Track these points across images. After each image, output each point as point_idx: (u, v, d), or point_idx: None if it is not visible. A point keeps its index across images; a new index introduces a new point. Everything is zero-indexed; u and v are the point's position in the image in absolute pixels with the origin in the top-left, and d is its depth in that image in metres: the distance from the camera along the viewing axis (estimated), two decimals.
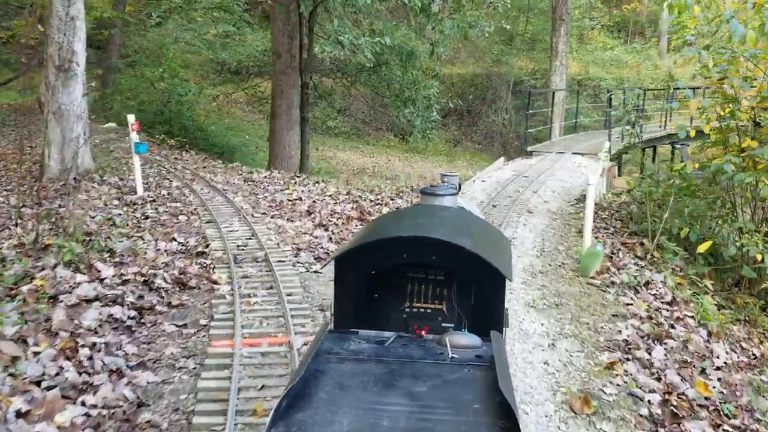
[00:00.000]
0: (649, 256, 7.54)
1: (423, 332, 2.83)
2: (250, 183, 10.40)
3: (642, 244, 8.00)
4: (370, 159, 24.35)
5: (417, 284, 2.97)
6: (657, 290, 6.41)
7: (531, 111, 26.05)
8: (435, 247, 2.74)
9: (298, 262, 6.34)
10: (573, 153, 14.06)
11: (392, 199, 9.58)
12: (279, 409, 2.03)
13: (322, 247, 6.84)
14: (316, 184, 10.66)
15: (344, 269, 2.89)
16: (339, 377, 2.30)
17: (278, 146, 13.80)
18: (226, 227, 7.46)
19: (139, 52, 20.80)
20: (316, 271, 6.20)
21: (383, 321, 2.92)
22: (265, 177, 11.09)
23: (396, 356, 2.52)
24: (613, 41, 32.24)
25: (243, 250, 6.63)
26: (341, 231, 7.44)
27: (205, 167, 12.04)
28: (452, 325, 2.92)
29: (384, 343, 2.67)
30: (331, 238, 7.17)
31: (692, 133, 8.35)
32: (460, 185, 4.07)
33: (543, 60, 27.18)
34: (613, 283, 6.28)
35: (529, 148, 15.39)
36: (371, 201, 9.18)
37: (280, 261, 6.27)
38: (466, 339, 2.62)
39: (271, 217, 8.03)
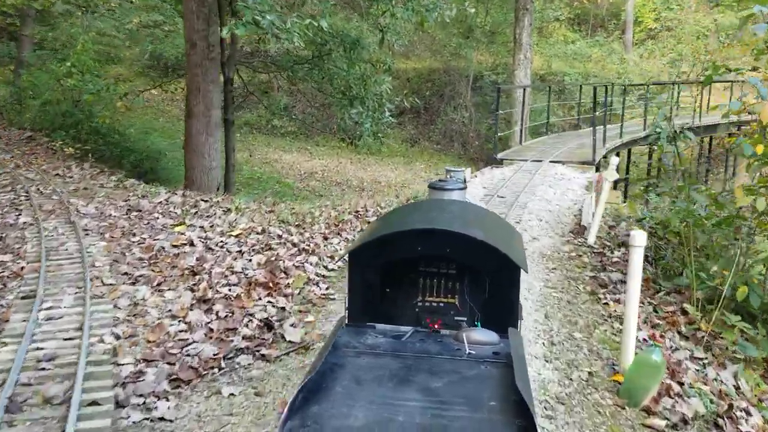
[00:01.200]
0: (701, 336, 4.85)
1: (436, 326, 2.77)
2: (134, 214, 7.38)
3: (684, 312, 5.30)
4: (319, 162, 21.42)
5: (429, 278, 2.86)
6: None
7: (492, 109, 23.44)
8: (449, 240, 2.67)
9: (131, 402, 3.42)
10: (551, 162, 11.33)
11: (326, 239, 6.68)
12: (295, 402, 1.99)
13: (189, 354, 3.93)
14: (226, 214, 7.69)
15: (358, 263, 2.79)
16: (355, 371, 2.25)
17: (195, 156, 10.79)
18: (47, 309, 4.51)
19: (44, 44, 17.49)
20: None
21: (396, 315, 2.84)
22: (161, 203, 8.07)
23: (413, 351, 2.46)
24: (574, 35, 29.81)
25: (41, 371, 3.71)
26: (232, 313, 4.52)
27: (86, 188, 8.94)
28: (465, 319, 2.82)
29: (401, 337, 2.61)
30: (211, 330, 4.26)
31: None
32: (465, 180, 4.09)
33: (504, 54, 24.52)
34: (684, 422, 3.52)
35: (500, 155, 12.63)
36: (293, 245, 6.27)
37: (93, 404, 3.35)
38: (484, 335, 2.55)
39: (133, 283, 5.08)
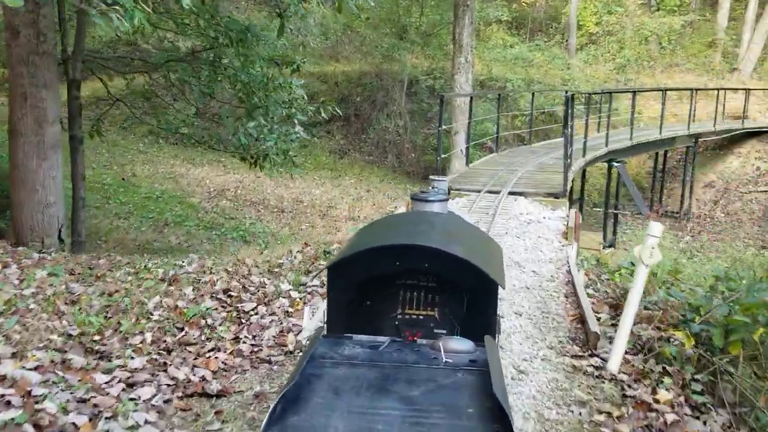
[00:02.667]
0: None
1: (416, 339, 2.72)
2: None
3: None
4: (233, 177, 18.11)
5: (409, 291, 2.84)
6: None
7: (430, 117, 20.56)
8: (428, 255, 2.64)
9: None
10: (511, 193, 8.45)
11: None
12: (274, 413, 1.98)
13: None
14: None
15: (337, 277, 2.78)
16: (333, 381, 2.24)
17: (22, 189, 7.46)
18: None
19: None
20: None
21: (376, 327, 2.82)
22: None
23: (390, 361, 2.44)
24: (513, 38, 27.34)
25: None
26: None
27: None
28: (444, 332, 2.79)
29: (378, 347, 2.58)
30: None
31: None
32: (450, 189, 4.20)
33: (441, 57, 21.74)
34: None
35: (449, 181, 9.65)
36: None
37: None
38: (460, 344, 2.54)
39: None
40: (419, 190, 3.71)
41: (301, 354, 2.88)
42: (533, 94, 14.21)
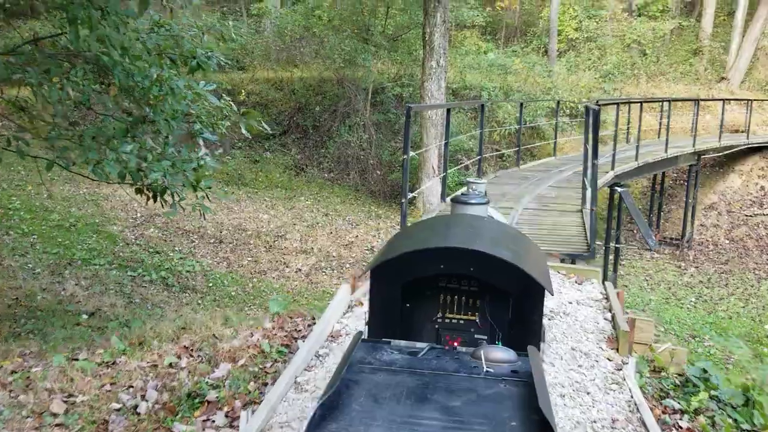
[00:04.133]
0: None
1: (456, 343, 2.67)
2: None
3: None
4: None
5: (450, 294, 2.77)
6: None
7: (397, 130, 17.94)
8: (474, 258, 2.60)
9: None
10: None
11: None
12: (313, 420, 1.95)
13: None
14: None
15: (380, 279, 2.73)
16: (372, 388, 2.17)
17: None
18: None
19: None
20: None
21: (416, 331, 2.76)
22: None
23: (429, 368, 2.36)
24: (488, 44, 24.93)
25: None
26: None
27: None
28: (485, 337, 2.73)
29: (417, 354, 2.49)
30: None
31: None
32: (486, 193, 4.00)
33: (409, 62, 19.16)
34: None
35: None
36: None
37: None
38: (502, 353, 2.43)
39: None
40: (460, 192, 3.99)
41: (340, 359, 2.43)
42: (521, 105, 11.57)
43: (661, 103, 13.32)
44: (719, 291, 13.13)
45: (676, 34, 26.79)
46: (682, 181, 17.10)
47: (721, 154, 16.31)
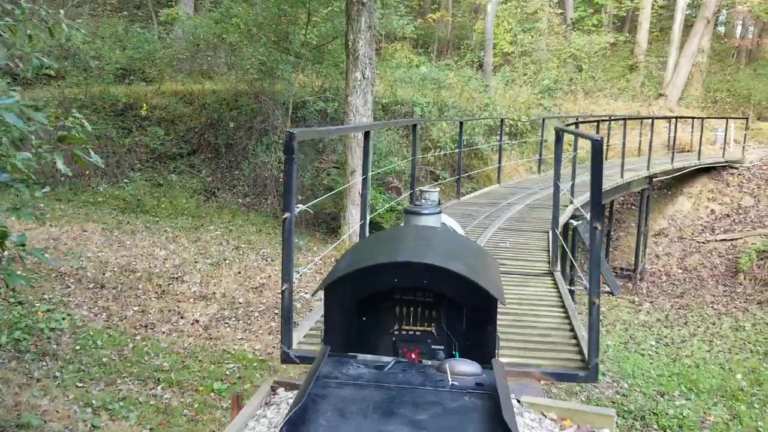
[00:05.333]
0: None
1: (413, 355, 2.70)
2: None
3: None
4: (50, 229, 12.75)
5: (406, 306, 2.78)
6: None
7: (321, 149, 15.92)
8: (427, 271, 2.60)
9: None
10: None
11: None
12: None
13: None
14: None
15: (334, 295, 2.74)
16: (339, 403, 2.16)
17: None
18: None
19: None
20: None
21: (373, 344, 2.75)
22: None
23: (396, 382, 2.37)
24: (420, 57, 23.29)
25: None
26: None
27: None
28: (442, 347, 2.74)
29: (383, 368, 2.52)
30: None
31: None
32: (440, 201, 4.04)
33: (336, 75, 17.20)
34: None
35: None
36: None
37: None
38: (467, 366, 2.45)
39: None
40: (413, 203, 3.84)
41: (307, 374, 2.42)
42: (461, 124, 9.59)
43: (607, 122, 11.86)
44: (680, 331, 11.64)
45: (611, 50, 25.88)
46: (629, 206, 15.73)
47: (670, 176, 15.01)
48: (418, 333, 2.73)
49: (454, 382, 2.33)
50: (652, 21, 25.83)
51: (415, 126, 7.56)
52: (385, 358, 2.57)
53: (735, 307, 12.75)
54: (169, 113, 17.31)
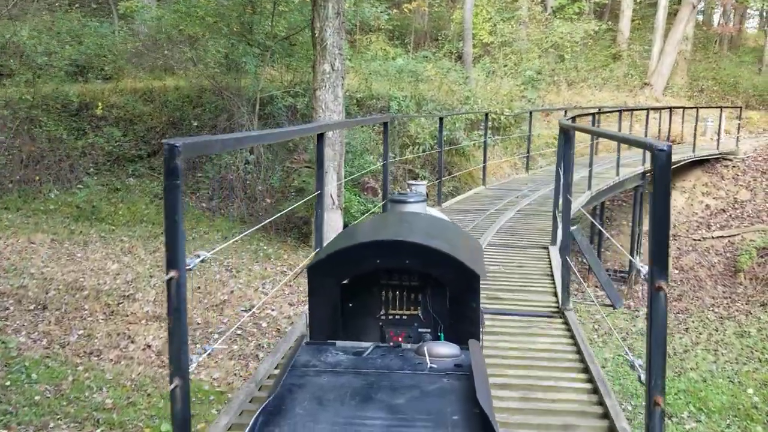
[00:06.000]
0: None
1: (400, 339, 2.70)
2: None
3: None
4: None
5: (392, 291, 2.76)
6: None
7: (292, 147, 14.79)
8: (408, 251, 2.60)
9: None
10: None
11: None
12: (255, 426, 1.88)
13: None
14: None
15: (318, 278, 2.71)
16: (317, 391, 2.11)
17: None
18: None
19: None
20: None
21: (359, 329, 2.75)
22: None
23: (374, 367, 2.31)
24: (396, 50, 22.18)
25: None
26: None
27: None
28: (429, 330, 2.73)
29: (362, 354, 2.44)
30: None
31: None
32: (427, 194, 4.19)
33: (307, 69, 16.04)
34: None
35: None
36: None
37: None
38: (445, 348, 2.39)
39: None
40: (397, 191, 3.90)
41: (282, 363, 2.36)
42: (441, 120, 8.36)
43: (598, 115, 10.90)
44: (681, 339, 10.71)
45: (593, 39, 24.97)
46: (619, 202, 14.79)
47: None
48: (404, 317, 2.71)
49: (433, 365, 2.29)
50: (634, 8, 24.94)
51: (386, 125, 6.45)
52: (365, 344, 2.49)
53: (737, 310, 11.87)
54: (127, 112, 16.07)
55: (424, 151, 14.01)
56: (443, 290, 2.66)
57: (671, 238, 13.77)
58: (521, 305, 4.75)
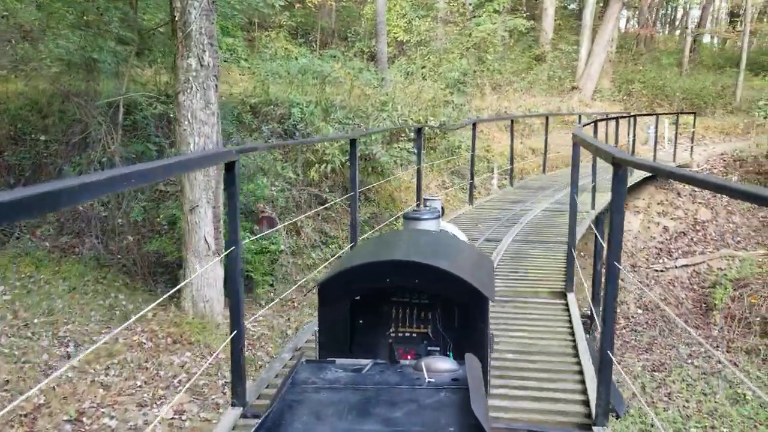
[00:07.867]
0: None
1: (409, 357, 2.65)
2: None
3: None
4: None
5: (402, 308, 2.73)
6: None
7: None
8: (416, 270, 2.58)
9: None
10: None
11: None
12: None
13: None
14: None
15: (328, 296, 2.68)
16: (315, 406, 2.08)
17: None
18: None
19: None
20: None
21: (369, 347, 2.69)
22: None
23: (372, 383, 2.27)
24: (300, 48, 19.10)
25: None
26: None
27: None
28: (438, 349, 2.69)
29: (361, 370, 2.40)
30: None
31: None
32: (443, 208, 3.93)
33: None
34: None
35: None
36: None
37: None
38: (443, 363, 2.37)
39: None
40: (412, 209, 3.76)
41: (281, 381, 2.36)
42: (353, 142, 5.20)
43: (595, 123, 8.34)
44: (666, 412, 8.21)
45: (515, 40, 22.77)
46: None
47: None
48: (414, 335, 2.67)
49: (431, 380, 2.22)
50: (558, 4, 22.97)
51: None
52: (364, 361, 2.39)
53: (719, 362, 9.53)
54: None
55: (333, 170, 11.04)
56: (451, 309, 2.64)
57: (629, 269, 11.38)
58: None
